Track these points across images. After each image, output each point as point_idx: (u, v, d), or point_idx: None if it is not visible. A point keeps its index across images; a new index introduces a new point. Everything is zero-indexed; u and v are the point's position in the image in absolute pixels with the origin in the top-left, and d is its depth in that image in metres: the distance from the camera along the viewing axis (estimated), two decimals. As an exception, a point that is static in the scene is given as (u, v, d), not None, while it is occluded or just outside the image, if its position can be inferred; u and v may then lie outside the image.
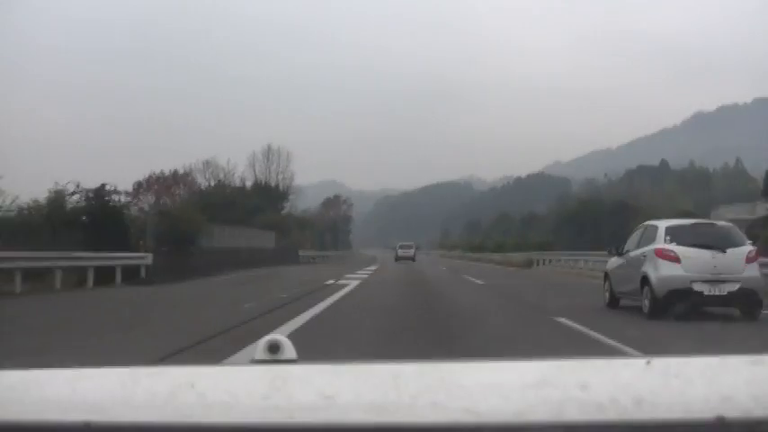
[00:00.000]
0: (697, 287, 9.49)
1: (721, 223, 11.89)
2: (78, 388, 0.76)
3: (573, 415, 0.65)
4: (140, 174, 65.21)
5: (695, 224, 11.38)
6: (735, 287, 9.51)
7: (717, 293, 9.51)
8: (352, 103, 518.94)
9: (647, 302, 9.90)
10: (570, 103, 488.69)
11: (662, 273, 9.70)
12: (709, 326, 8.91)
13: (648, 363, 0.75)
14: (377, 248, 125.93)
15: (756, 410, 0.65)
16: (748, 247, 10.13)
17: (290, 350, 0.94)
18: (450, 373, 0.77)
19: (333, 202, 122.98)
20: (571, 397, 0.67)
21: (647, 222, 11.66)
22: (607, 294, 11.82)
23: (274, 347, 0.94)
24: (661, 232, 10.27)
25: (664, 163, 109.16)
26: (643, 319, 9.68)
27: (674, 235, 10.12)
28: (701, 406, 0.66)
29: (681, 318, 9.16)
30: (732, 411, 0.65)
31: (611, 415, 0.65)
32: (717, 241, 9.99)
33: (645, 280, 9.97)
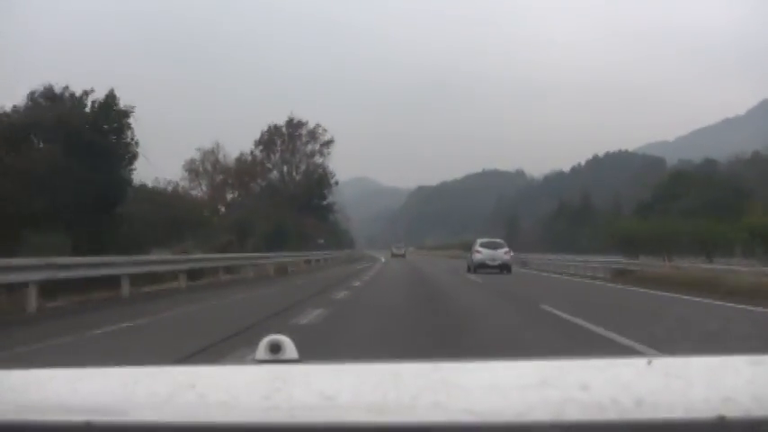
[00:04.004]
0: (486, 262, 27.15)
1: (498, 240, 30.40)
2: (79, 388, 0.77)
3: (573, 415, 0.65)
4: None
5: (489, 240, 29.47)
6: (499, 263, 27.07)
7: (493, 264, 27.02)
8: (386, 99, 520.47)
9: (471, 268, 27.44)
10: (622, 97, 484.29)
11: (475, 257, 27.53)
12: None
13: (649, 363, 0.75)
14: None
15: (757, 410, 0.65)
16: (505, 249, 28.00)
17: (291, 350, 0.94)
18: (450, 373, 0.77)
19: (282, 134, 61.59)
20: (572, 397, 0.67)
21: (477, 239, 29.99)
22: (466, 267, 28.75)
23: (276, 347, 0.94)
24: (477, 243, 28.69)
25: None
26: (470, 273, 26.44)
27: (481, 244, 28.36)
28: (701, 406, 0.66)
29: (478, 271, 26.54)
30: (733, 411, 0.65)
31: (611, 415, 0.65)
32: (495, 246, 28.36)
33: (471, 260, 28.09)
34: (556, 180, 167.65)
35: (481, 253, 27.52)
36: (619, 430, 0.65)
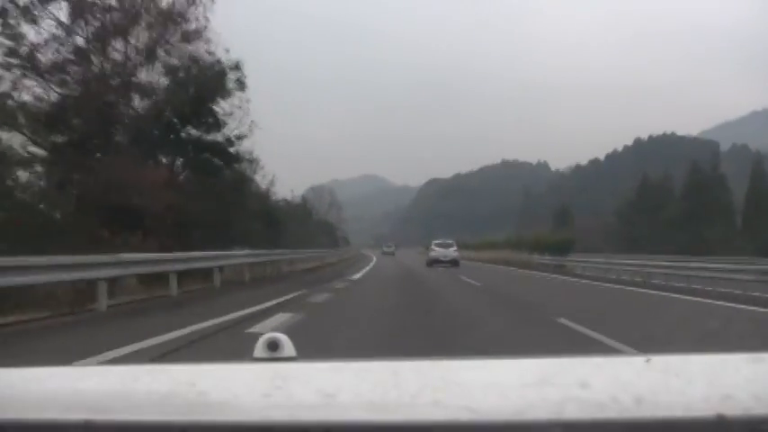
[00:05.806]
0: (440, 258, 34.20)
1: (449, 240, 37.66)
2: (78, 386, 0.76)
3: (573, 413, 0.65)
4: None
5: (442, 241, 37.07)
6: (450, 258, 34.17)
7: (445, 260, 33.70)
8: (395, 97, 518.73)
9: (429, 263, 34.35)
10: (637, 94, 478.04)
11: (431, 255, 35.39)
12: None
13: (648, 361, 0.75)
14: (404, 250, 79.91)
15: (757, 408, 0.65)
16: (454, 248, 35.97)
17: (289, 348, 0.94)
18: (450, 371, 0.77)
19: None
20: (571, 395, 0.67)
21: (432, 241, 38.85)
22: (425, 262, 36.19)
23: (273, 345, 0.93)
24: (433, 243, 37.31)
25: None
26: (427, 267, 31.97)
27: (437, 244, 36.59)
28: (701, 404, 0.65)
29: (432, 265, 32.75)
30: (732, 409, 0.64)
31: (611, 413, 0.65)
32: (446, 246, 36.04)
33: (428, 257, 35.88)
34: (589, 169, 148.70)
35: (436, 251, 35.49)
36: (618, 428, 0.65)
